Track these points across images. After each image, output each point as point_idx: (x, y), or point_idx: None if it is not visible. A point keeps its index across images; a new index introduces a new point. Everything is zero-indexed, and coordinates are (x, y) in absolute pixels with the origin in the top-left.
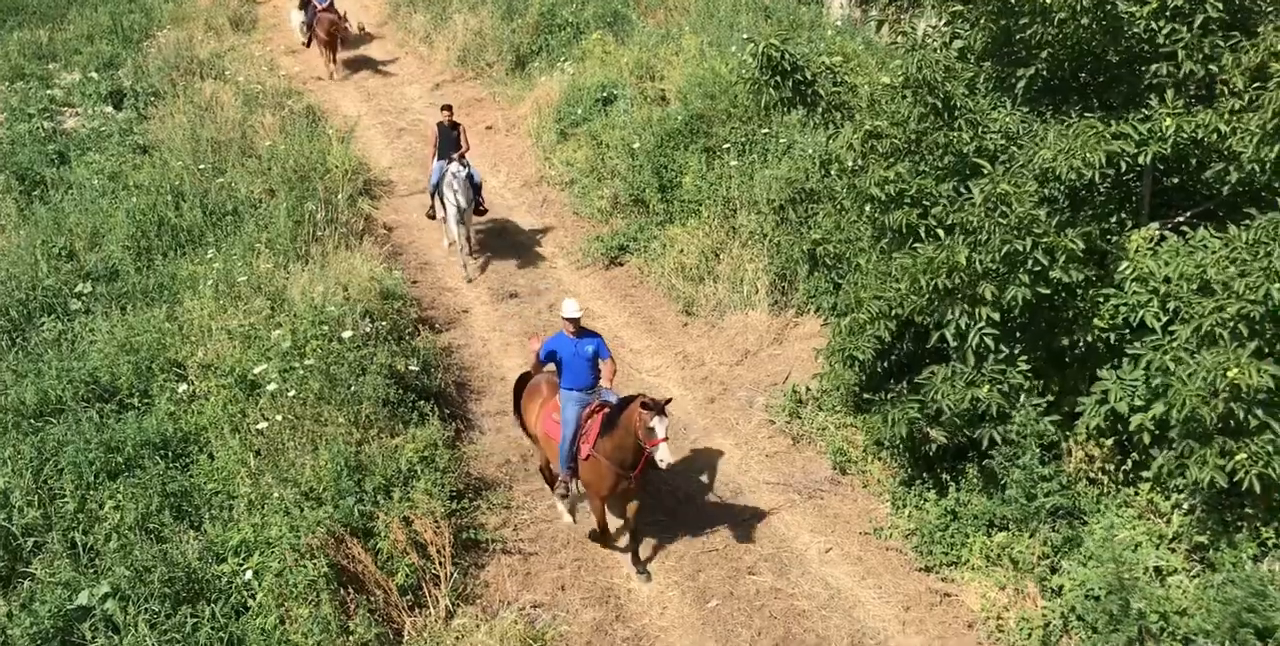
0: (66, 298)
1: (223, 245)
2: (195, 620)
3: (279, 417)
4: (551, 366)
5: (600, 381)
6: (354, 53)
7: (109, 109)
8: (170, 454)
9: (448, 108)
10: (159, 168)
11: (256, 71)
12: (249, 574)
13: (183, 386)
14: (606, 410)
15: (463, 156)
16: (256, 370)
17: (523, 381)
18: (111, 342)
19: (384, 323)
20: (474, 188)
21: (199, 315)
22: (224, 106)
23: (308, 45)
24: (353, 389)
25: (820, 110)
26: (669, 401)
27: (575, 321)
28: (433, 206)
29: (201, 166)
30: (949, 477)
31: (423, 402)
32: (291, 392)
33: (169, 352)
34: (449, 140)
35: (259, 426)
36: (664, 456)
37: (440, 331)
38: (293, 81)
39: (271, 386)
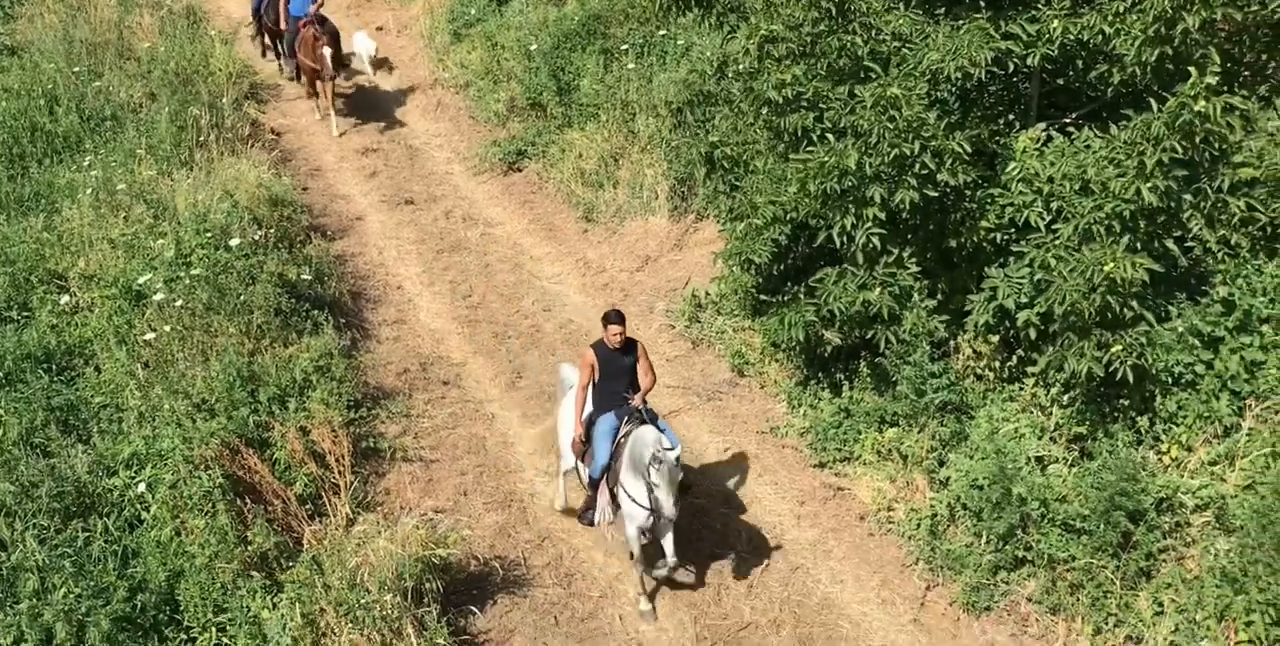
0: None
1: (102, 152)
2: (87, 534)
3: (167, 328)
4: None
5: None
6: None
7: None
8: (54, 367)
9: (618, 319)
10: (29, 70)
11: None
12: (142, 486)
13: (64, 298)
14: None
15: (646, 404)
16: (141, 280)
17: None
18: None
19: (273, 230)
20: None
21: (79, 224)
22: (98, 6)
23: (295, 78)
24: (242, 298)
25: (716, 12)
26: None
27: None
28: (594, 506)
29: (76, 69)
30: (843, 377)
31: (316, 312)
32: (179, 302)
33: (48, 263)
34: (618, 372)
35: (146, 337)
36: None
37: (333, 239)
38: None
39: (158, 296)
